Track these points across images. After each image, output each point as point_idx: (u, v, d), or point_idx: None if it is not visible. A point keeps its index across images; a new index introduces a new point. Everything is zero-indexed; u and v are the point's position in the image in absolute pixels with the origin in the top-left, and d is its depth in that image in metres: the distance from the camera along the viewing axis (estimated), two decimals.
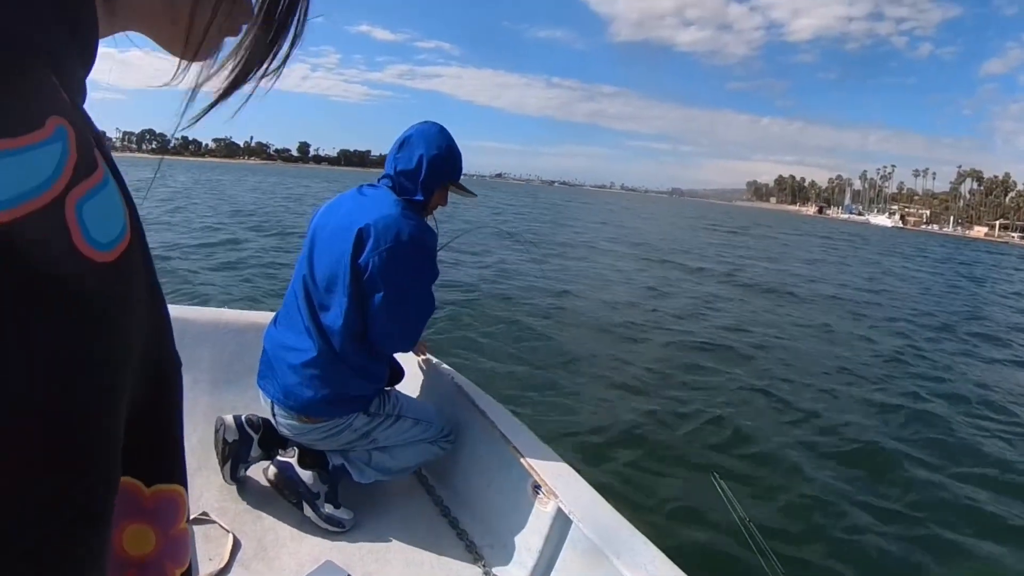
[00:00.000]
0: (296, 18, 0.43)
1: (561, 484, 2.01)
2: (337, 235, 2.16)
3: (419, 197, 2.23)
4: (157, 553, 0.37)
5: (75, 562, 0.27)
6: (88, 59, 0.35)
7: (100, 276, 0.28)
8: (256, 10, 0.42)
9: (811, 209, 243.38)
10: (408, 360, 2.92)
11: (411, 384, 2.82)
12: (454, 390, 2.65)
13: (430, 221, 2.32)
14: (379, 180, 2.31)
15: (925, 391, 6.55)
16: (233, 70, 0.43)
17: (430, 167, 2.21)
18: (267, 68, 0.44)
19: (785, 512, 3.82)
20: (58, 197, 0.27)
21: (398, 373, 2.47)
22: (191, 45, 0.42)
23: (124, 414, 0.30)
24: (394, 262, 2.09)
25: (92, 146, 0.30)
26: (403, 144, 2.25)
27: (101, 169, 0.30)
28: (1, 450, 0.24)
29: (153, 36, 0.42)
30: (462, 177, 2.36)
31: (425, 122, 2.30)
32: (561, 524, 1.98)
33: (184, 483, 0.39)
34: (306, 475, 2.30)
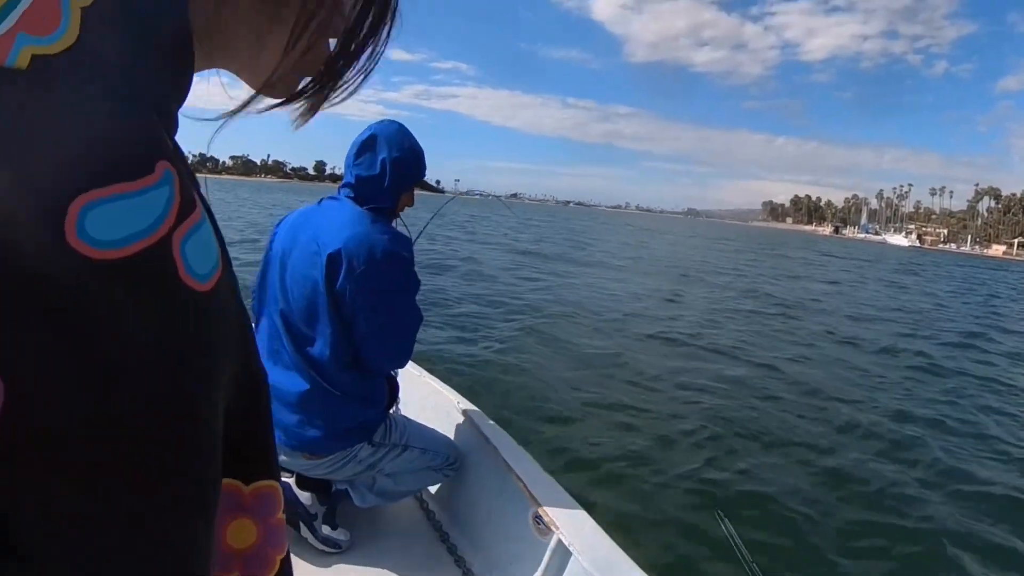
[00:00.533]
0: (369, 60, 0.49)
1: (563, 515, 1.97)
2: (306, 261, 2.05)
3: (388, 204, 2.14)
4: (260, 542, 0.41)
5: (186, 545, 0.31)
6: (183, 97, 0.38)
7: (200, 304, 0.32)
8: (335, 53, 0.48)
9: (827, 229, 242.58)
10: (412, 382, 2.89)
11: (415, 407, 2.79)
12: (458, 414, 2.62)
13: (398, 225, 2.24)
14: (340, 189, 2.19)
15: (951, 423, 6.41)
16: (307, 98, 0.49)
17: (395, 171, 2.11)
18: (332, 99, 0.50)
19: (791, 554, 3.70)
20: (165, 236, 0.30)
21: (395, 388, 2.40)
22: (274, 86, 0.47)
23: (222, 421, 0.34)
24: (373, 283, 1.99)
25: (191, 187, 0.33)
26: (362, 149, 2.14)
27: (199, 209, 0.33)
28: (131, 453, 0.28)
29: (239, 74, 0.47)
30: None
31: (382, 121, 2.19)
32: (561, 556, 1.93)
33: (278, 478, 0.42)
34: (304, 496, 2.27)
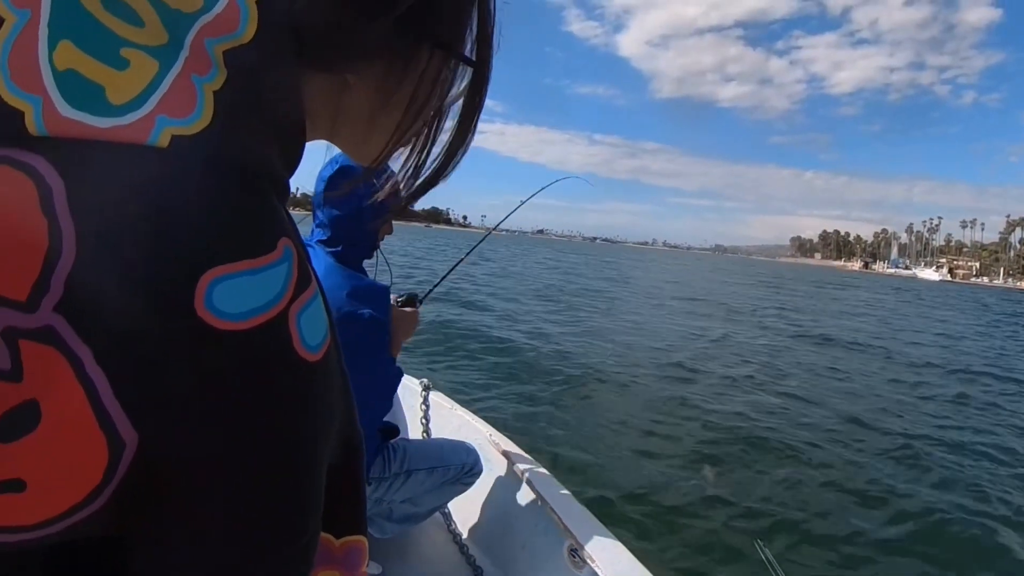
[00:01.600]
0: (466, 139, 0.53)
1: (598, 548, 1.94)
2: None
3: (369, 240, 2.05)
4: None
5: None
6: (293, 169, 0.41)
7: (311, 373, 0.34)
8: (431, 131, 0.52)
9: (856, 265, 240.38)
10: (443, 415, 2.88)
11: (444, 430, 2.78)
12: (489, 446, 2.60)
13: (377, 258, 2.17)
14: (312, 233, 2.04)
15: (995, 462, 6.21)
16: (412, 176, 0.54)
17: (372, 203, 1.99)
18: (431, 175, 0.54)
19: None
20: (283, 310, 0.32)
21: (392, 431, 2.27)
22: (377, 159, 0.52)
23: (325, 477, 0.37)
24: (356, 347, 1.81)
25: (307, 261, 0.35)
26: (331, 185, 1.96)
27: (313, 284, 0.35)
28: (243, 510, 0.32)
29: (343, 148, 0.52)
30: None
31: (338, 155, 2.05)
32: None
33: (365, 533, 0.45)
34: None
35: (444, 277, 2.32)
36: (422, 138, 0.52)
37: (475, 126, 0.53)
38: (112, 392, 0.28)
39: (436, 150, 0.53)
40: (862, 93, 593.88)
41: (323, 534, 0.40)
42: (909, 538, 4.27)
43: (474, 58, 0.50)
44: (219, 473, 0.30)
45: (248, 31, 0.35)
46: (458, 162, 0.54)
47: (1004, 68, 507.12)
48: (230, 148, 0.33)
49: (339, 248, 2.00)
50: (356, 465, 0.42)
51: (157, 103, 0.31)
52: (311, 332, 0.34)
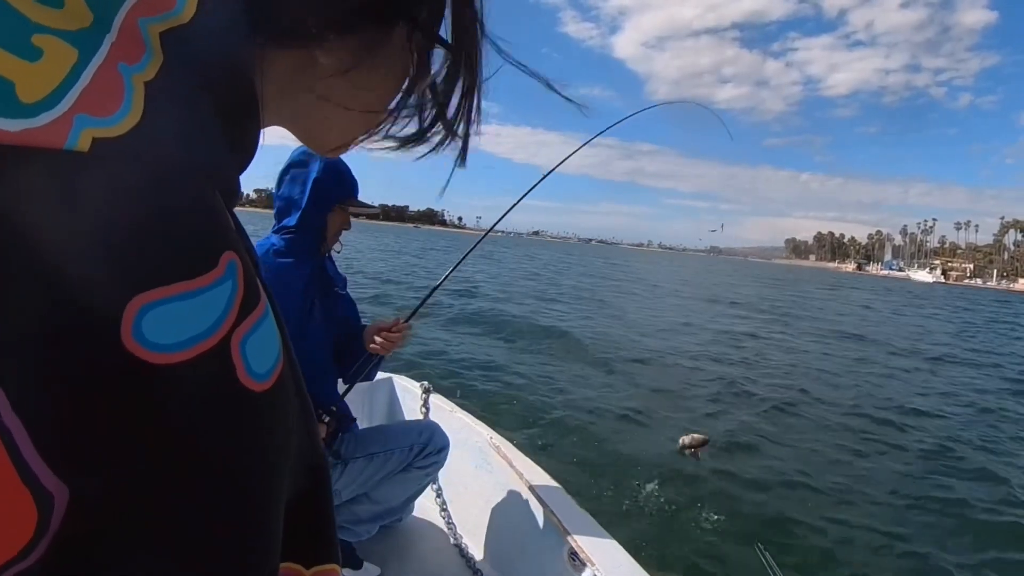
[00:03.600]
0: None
1: (599, 552, 1.94)
2: None
3: (310, 226, 2.13)
4: None
5: None
6: (247, 163, 0.37)
7: (260, 405, 0.30)
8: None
9: (850, 266, 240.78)
10: (444, 417, 2.88)
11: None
12: (490, 449, 2.61)
13: (335, 255, 2.27)
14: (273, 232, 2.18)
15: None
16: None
17: (314, 188, 2.10)
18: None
19: None
20: (225, 336, 0.28)
21: (344, 418, 2.27)
22: (339, 149, 0.49)
23: (283, 512, 0.33)
24: None
25: (255, 275, 0.31)
26: (283, 173, 2.13)
27: (263, 301, 0.32)
28: (187, 555, 0.28)
29: (300, 135, 0.47)
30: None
31: (295, 149, 2.15)
32: None
33: (338, 561, 0.41)
34: None
35: (432, 291, 2.30)
36: (394, 128, 0.48)
37: (465, 117, 0.49)
38: (31, 443, 0.24)
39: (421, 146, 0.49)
40: (858, 95, 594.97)
41: (293, 565, 0.38)
42: (912, 541, 4.29)
43: (454, 42, 0.46)
44: (161, 522, 0.27)
45: (188, 8, 0.31)
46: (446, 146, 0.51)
47: (1000, 70, 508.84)
48: (163, 149, 0.28)
49: (288, 235, 2.12)
50: (322, 490, 0.38)
51: (76, 100, 0.26)
52: (259, 358, 0.30)
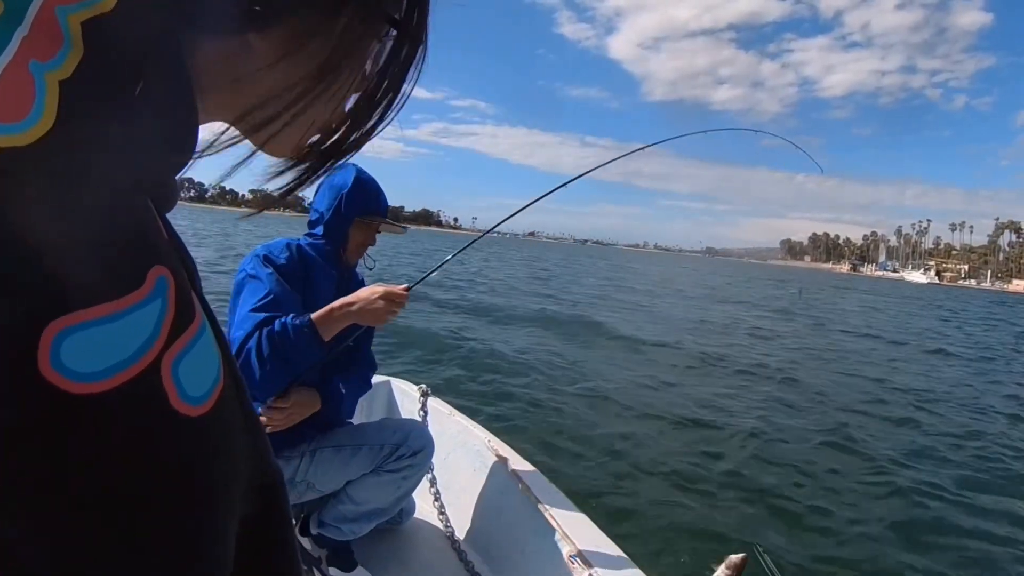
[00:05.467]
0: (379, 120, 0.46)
1: (598, 554, 1.96)
2: None
3: (334, 237, 2.18)
4: None
5: None
6: (185, 161, 0.34)
7: (197, 431, 0.28)
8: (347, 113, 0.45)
9: (844, 267, 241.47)
10: (442, 420, 2.89)
11: (444, 445, 2.79)
12: (488, 452, 2.62)
13: (366, 262, 2.30)
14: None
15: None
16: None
17: (336, 201, 2.16)
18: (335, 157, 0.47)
19: None
20: (154, 361, 0.26)
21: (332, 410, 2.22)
22: (287, 150, 0.45)
23: (233, 539, 0.31)
24: (233, 304, 2.01)
25: (189, 289, 0.29)
26: (319, 188, 2.20)
27: (198, 317, 0.29)
28: None
29: (241, 129, 0.43)
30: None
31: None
32: None
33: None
34: (306, 541, 2.27)
35: (436, 269, 2.30)
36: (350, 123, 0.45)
37: (393, 107, 0.46)
38: None
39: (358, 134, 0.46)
40: (854, 96, 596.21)
41: None
42: (913, 543, 4.29)
43: (402, 19, 0.43)
44: (93, 567, 0.24)
45: None
46: (351, 147, 0.47)
47: (996, 72, 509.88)
48: (80, 157, 0.26)
49: (316, 241, 2.19)
50: (277, 510, 0.36)
51: None
52: (194, 380, 0.27)
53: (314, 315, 1.91)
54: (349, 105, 0.45)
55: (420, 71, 0.45)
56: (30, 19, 0.25)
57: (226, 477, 0.30)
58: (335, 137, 0.46)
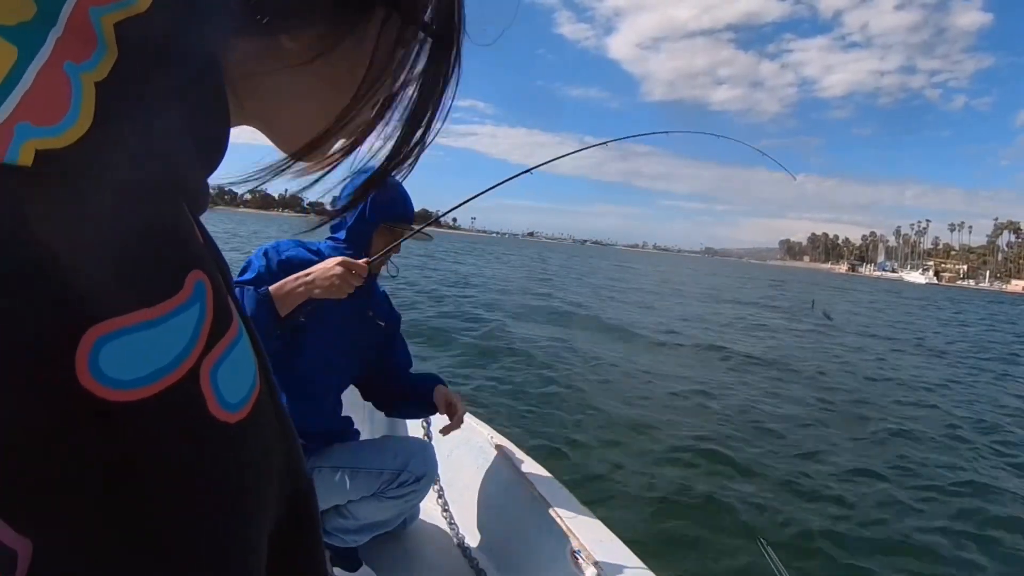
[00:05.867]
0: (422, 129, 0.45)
1: (601, 550, 1.96)
2: None
3: (356, 241, 2.14)
4: None
5: None
6: (216, 163, 0.34)
7: (235, 438, 0.28)
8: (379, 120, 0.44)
9: (843, 267, 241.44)
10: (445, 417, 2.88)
11: (446, 442, 2.78)
12: (491, 448, 2.62)
13: (384, 277, 2.26)
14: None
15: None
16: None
17: (360, 206, 2.11)
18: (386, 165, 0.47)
19: None
20: (193, 367, 0.26)
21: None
22: (313, 149, 0.43)
23: (266, 546, 0.31)
24: None
25: (226, 294, 0.29)
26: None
27: (235, 322, 0.29)
28: None
29: (271, 135, 0.43)
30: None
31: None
32: None
33: None
34: None
35: (396, 244, 2.22)
36: (373, 126, 0.44)
37: (437, 115, 0.45)
38: None
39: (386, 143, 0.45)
40: (853, 96, 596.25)
41: None
42: (918, 538, 4.30)
43: (432, 23, 0.42)
44: (133, 570, 0.24)
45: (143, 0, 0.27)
46: (410, 158, 0.47)
47: (995, 72, 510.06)
48: (117, 160, 0.25)
49: (337, 244, 2.15)
50: (307, 516, 0.36)
51: (16, 106, 0.23)
52: (232, 387, 0.28)
53: (271, 287, 1.87)
54: (397, 116, 0.45)
55: (459, 76, 0.45)
56: (63, 20, 0.25)
57: (261, 484, 0.30)
58: (388, 148, 0.46)
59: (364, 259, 1.98)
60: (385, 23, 0.40)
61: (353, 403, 2.40)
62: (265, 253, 2.04)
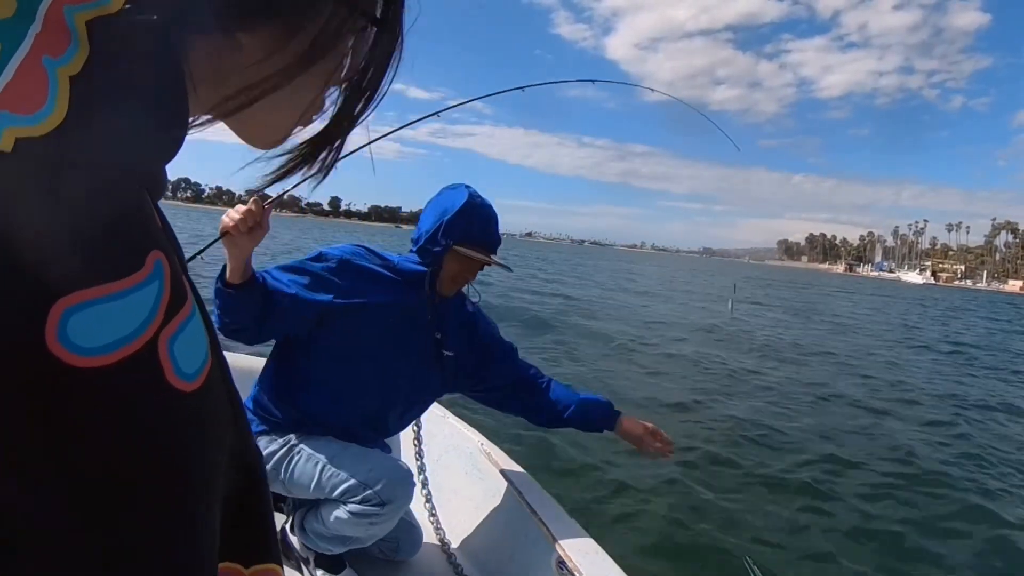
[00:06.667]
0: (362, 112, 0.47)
1: (587, 562, 1.95)
2: None
3: (426, 260, 2.09)
4: None
5: None
6: (175, 152, 0.35)
7: (189, 405, 0.30)
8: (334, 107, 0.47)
9: (840, 267, 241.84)
10: (435, 423, 2.88)
11: (436, 448, 2.78)
12: (480, 456, 2.61)
13: (469, 294, 2.26)
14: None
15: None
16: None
17: (424, 223, 2.09)
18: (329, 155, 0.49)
19: None
20: (152, 338, 0.28)
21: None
22: (271, 142, 0.46)
23: (219, 513, 0.33)
24: None
25: (181, 273, 0.31)
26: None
27: (189, 299, 0.31)
28: (122, 559, 0.28)
29: (232, 127, 0.45)
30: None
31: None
32: None
33: (279, 561, 0.41)
34: (294, 539, 2.24)
35: (297, 185, 2.21)
36: (315, 107, 0.46)
37: (373, 100, 0.47)
38: None
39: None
40: (851, 97, 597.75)
41: (232, 564, 0.37)
42: (908, 554, 4.26)
43: (380, 16, 0.45)
44: (89, 529, 0.26)
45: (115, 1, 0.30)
46: (336, 142, 0.48)
47: (993, 72, 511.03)
48: (89, 148, 0.28)
49: (409, 259, 2.14)
50: (257, 488, 0.39)
51: None
52: (187, 358, 0.30)
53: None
54: (332, 98, 0.47)
55: (398, 64, 0.47)
56: (41, 16, 0.27)
57: (213, 448, 0.32)
58: (321, 129, 0.47)
59: (264, 203, 1.84)
60: (331, 17, 0.42)
61: None
62: (320, 256, 2.05)
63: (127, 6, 0.30)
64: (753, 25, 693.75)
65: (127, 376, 0.27)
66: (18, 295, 0.24)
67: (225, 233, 1.78)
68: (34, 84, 0.26)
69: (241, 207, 1.80)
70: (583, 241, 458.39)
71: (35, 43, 0.27)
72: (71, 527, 0.26)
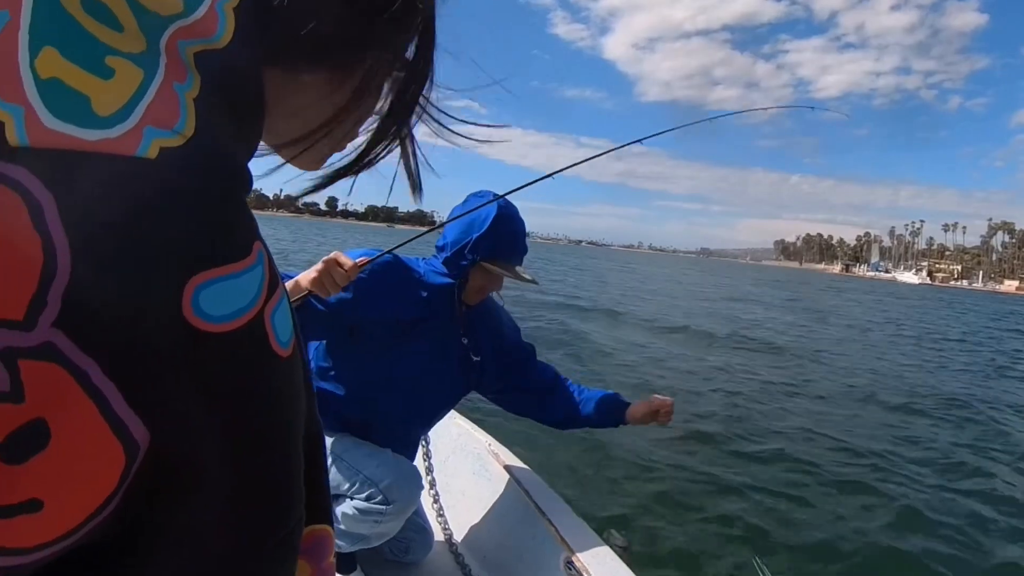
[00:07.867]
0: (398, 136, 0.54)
1: (595, 562, 1.97)
2: None
3: (452, 270, 2.13)
4: None
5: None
6: (252, 156, 0.41)
7: (286, 367, 0.36)
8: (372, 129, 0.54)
9: (836, 268, 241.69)
10: (442, 423, 2.90)
11: (444, 448, 2.80)
12: (488, 456, 2.63)
13: (500, 300, 2.28)
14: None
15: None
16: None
17: (451, 232, 2.12)
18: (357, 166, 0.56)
19: None
20: (260, 310, 0.34)
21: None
22: (315, 165, 0.54)
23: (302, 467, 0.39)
24: None
25: (274, 265, 0.37)
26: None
27: (281, 285, 0.37)
28: (238, 496, 0.34)
29: (272, 142, 0.51)
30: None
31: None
32: None
33: (331, 523, 0.47)
34: None
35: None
36: (354, 137, 0.54)
37: (402, 131, 0.54)
38: (123, 398, 0.29)
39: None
40: (848, 97, 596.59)
41: None
42: (919, 554, 4.26)
43: (412, 60, 0.51)
44: (217, 463, 0.32)
45: (225, 36, 0.36)
46: (373, 159, 0.55)
47: (990, 73, 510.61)
48: (212, 157, 0.34)
49: (435, 267, 2.16)
50: (319, 453, 0.44)
51: (143, 114, 0.31)
52: (283, 330, 0.36)
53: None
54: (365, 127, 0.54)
55: (428, 101, 0.54)
56: (163, 48, 0.33)
57: (300, 408, 0.39)
58: (355, 155, 0.55)
59: (362, 259, 1.87)
60: (375, 60, 0.48)
61: None
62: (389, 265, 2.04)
63: (231, 44, 0.36)
64: (750, 25, 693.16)
65: (245, 339, 0.33)
66: (164, 275, 0.30)
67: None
68: (170, 104, 0.32)
69: (340, 271, 1.80)
70: (580, 241, 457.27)
71: (166, 72, 0.33)
72: (204, 466, 0.32)
